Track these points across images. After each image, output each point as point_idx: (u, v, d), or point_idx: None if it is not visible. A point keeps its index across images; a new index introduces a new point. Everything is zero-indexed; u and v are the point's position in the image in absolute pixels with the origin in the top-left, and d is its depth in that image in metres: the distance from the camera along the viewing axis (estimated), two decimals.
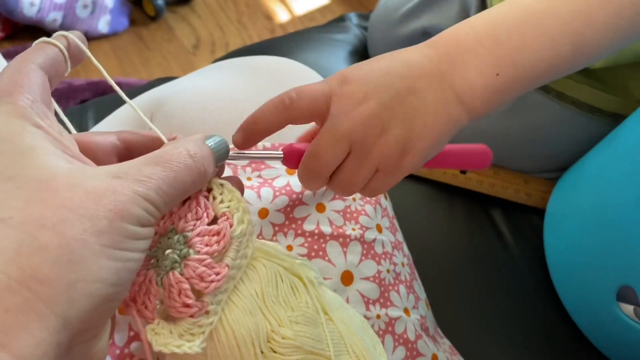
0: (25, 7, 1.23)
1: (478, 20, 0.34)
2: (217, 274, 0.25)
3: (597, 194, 0.52)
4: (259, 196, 0.38)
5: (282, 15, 1.50)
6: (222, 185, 0.27)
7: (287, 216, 0.38)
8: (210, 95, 0.44)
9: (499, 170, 0.67)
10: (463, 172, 0.67)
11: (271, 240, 0.37)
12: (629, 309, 0.47)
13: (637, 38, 0.37)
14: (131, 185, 0.21)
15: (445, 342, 0.47)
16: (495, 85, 0.33)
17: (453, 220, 0.64)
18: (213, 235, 0.26)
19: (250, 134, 0.32)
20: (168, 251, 0.25)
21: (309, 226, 0.38)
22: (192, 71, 0.55)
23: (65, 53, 0.26)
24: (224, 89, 0.45)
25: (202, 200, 0.26)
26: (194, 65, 1.34)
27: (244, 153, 0.31)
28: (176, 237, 0.25)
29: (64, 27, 1.31)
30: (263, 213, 0.37)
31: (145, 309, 0.25)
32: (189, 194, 0.24)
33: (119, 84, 1.23)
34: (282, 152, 0.33)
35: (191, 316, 0.25)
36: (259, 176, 0.40)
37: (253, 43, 0.88)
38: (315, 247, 0.38)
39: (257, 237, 0.36)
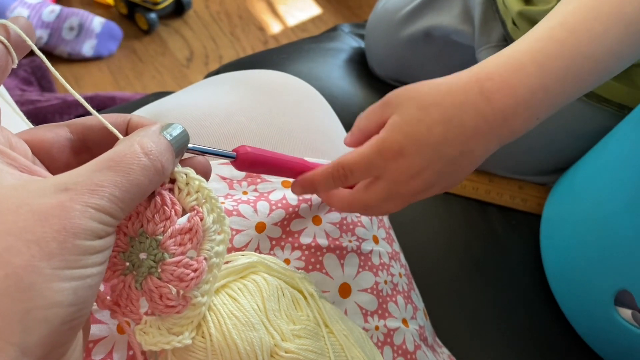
0: None
1: (530, 63, 0.35)
2: (195, 270, 0.25)
3: (591, 200, 0.52)
4: (256, 210, 0.38)
5: (274, 27, 1.51)
6: (186, 174, 0.26)
7: (284, 230, 0.38)
8: (205, 110, 0.44)
9: (494, 177, 0.68)
10: None
11: (268, 254, 0.37)
12: (627, 313, 0.47)
13: None
14: (81, 198, 0.19)
15: (444, 352, 0.47)
16: (532, 126, 0.36)
17: (450, 227, 0.65)
18: (185, 233, 0.25)
19: (308, 191, 0.38)
20: (142, 256, 0.25)
21: (305, 239, 0.38)
22: (186, 84, 0.55)
23: (8, 44, 0.23)
24: (218, 104, 0.45)
25: (167, 196, 0.25)
26: (188, 78, 1.34)
27: (199, 147, 0.29)
28: (148, 241, 0.25)
29: (48, 45, 1.30)
30: (260, 227, 0.37)
31: (130, 312, 0.25)
32: (148, 194, 0.23)
33: (113, 98, 1.22)
34: (234, 154, 0.32)
35: (177, 312, 0.25)
36: (255, 190, 0.40)
37: (246, 55, 0.88)
38: (313, 260, 0.38)
39: (255, 251, 0.37)
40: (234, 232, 0.36)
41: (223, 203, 0.38)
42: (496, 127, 0.35)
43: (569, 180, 0.60)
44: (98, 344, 0.30)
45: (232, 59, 1.40)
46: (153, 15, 1.38)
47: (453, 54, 0.73)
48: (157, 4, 1.36)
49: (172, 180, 0.26)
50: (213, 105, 0.45)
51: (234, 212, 0.37)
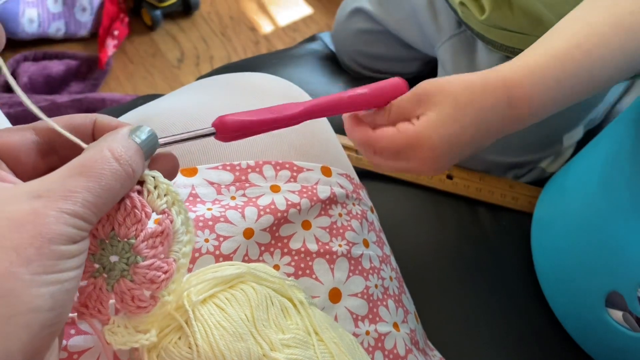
0: (26, 26, 1.22)
1: (551, 79, 0.38)
2: (166, 272, 0.26)
3: (582, 201, 0.52)
4: (244, 216, 0.37)
5: (266, 27, 1.50)
6: (154, 177, 0.26)
7: (273, 235, 0.38)
8: (194, 114, 0.44)
9: (484, 176, 0.68)
10: (449, 177, 0.67)
11: (257, 260, 0.37)
12: (617, 314, 0.48)
13: None
14: (55, 204, 0.20)
15: (436, 355, 0.47)
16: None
17: (440, 227, 0.65)
18: (157, 236, 0.26)
19: None
20: (114, 259, 0.25)
21: (295, 244, 0.38)
22: (177, 85, 0.54)
23: None
24: (207, 107, 0.44)
25: (137, 199, 0.25)
26: (179, 79, 1.33)
27: (174, 137, 0.29)
28: (120, 244, 0.25)
29: (68, 33, 1.27)
30: (248, 233, 0.37)
31: (99, 312, 0.26)
32: (119, 198, 0.23)
33: (102, 99, 1.20)
34: (213, 128, 0.31)
35: (147, 312, 0.26)
36: (243, 195, 0.40)
37: (236, 61, 0.88)
38: (302, 265, 0.38)
39: (243, 258, 0.36)
40: (221, 239, 0.36)
41: (210, 209, 0.37)
42: (508, 129, 0.40)
43: (560, 180, 0.60)
44: (83, 355, 0.29)
45: (223, 59, 1.39)
46: (157, 13, 1.37)
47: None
48: (162, 0, 1.35)
49: (140, 182, 0.26)
50: (202, 109, 0.44)
51: (222, 219, 0.37)
